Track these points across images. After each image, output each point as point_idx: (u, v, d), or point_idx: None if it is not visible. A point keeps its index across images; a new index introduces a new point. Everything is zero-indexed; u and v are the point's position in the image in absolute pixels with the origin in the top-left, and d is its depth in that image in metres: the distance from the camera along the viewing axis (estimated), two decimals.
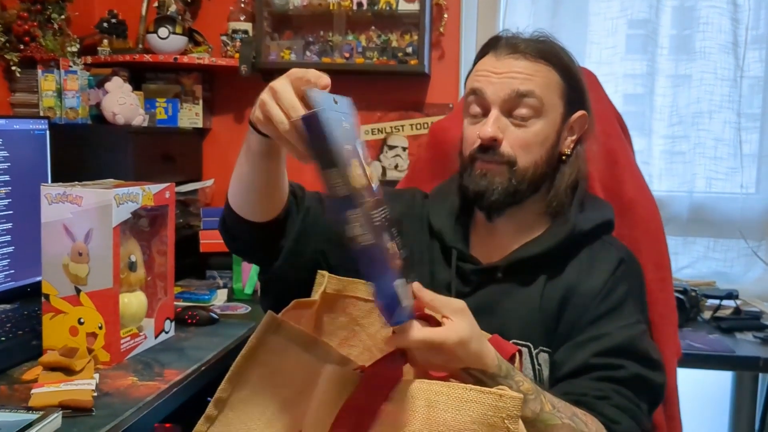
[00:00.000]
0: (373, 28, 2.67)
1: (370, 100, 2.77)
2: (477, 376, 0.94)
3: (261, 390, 0.98)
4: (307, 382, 0.96)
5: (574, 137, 1.21)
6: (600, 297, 1.14)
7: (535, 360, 1.14)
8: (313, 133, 0.79)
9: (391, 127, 2.79)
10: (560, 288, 1.15)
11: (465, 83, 1.24)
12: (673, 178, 2.64)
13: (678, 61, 2.64)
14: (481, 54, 1.21)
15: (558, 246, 1.17)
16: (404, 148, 2.79)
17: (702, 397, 2.25)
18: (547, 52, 1.16)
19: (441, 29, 2.67)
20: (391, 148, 2.80)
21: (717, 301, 2.33)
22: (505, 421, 0.83)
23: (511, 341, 1.11)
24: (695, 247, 2.67)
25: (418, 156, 1.79)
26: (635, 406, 1.07)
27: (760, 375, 2.44)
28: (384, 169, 2.80)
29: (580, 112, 1.20)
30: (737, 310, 2.31)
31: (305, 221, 1.19)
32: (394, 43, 2.63)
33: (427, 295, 0.94)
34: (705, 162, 2.64)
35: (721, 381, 2.44)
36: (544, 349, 1.15)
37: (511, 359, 1.01)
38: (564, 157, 1.20)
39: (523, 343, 1.14)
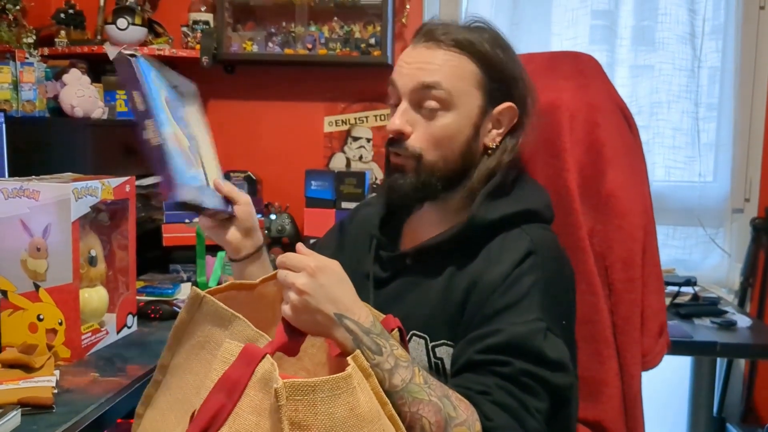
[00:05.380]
0: (335, 19, 2.66)
1: (334, 92, 2.77)
2: (351, 327, 0.93)
3: (193, 359, 1.02)
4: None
5: (501, 130, 1.15)
6: (501, 290, 1.06)
7: (431, 353, 1.11)
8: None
9: (355, 119, 2.79)
10: (466, 278, 1.10)
11: None
12: None
13: (637, 51, 2.69)
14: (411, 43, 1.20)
15: (457, 235, 1.12)
16: (368, 140, 2.79)
17: (662, 381, 2.29)
18: (463, 40, 1.11)
19: (404, 20, 2.67)
20: (356, 139, 2.80)
21: (676, 288, 2.38)
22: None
23: (410, 332, 1.11)
24: None
25: None
26: (519, 404, 0.99)
27: (718, 359, 2.51)
28: (348, 160, 2.80)
29: (505, 104, 1.14)
30: (695, 297, 2.37)
31: None
32: (357, 34, 2.63)
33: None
34: (664, 151, 2.70)
35: (681, 366, 2.49)
36: (447, 342, 1.10)
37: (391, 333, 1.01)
38: (489, 151, 1.15)
39: (421, 334, 1.12)
